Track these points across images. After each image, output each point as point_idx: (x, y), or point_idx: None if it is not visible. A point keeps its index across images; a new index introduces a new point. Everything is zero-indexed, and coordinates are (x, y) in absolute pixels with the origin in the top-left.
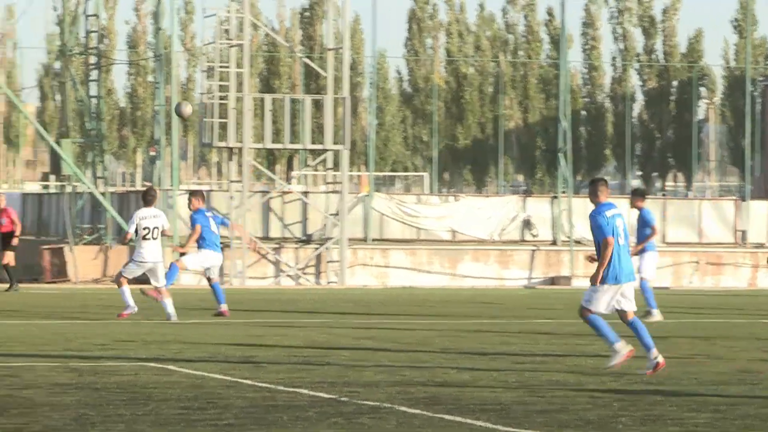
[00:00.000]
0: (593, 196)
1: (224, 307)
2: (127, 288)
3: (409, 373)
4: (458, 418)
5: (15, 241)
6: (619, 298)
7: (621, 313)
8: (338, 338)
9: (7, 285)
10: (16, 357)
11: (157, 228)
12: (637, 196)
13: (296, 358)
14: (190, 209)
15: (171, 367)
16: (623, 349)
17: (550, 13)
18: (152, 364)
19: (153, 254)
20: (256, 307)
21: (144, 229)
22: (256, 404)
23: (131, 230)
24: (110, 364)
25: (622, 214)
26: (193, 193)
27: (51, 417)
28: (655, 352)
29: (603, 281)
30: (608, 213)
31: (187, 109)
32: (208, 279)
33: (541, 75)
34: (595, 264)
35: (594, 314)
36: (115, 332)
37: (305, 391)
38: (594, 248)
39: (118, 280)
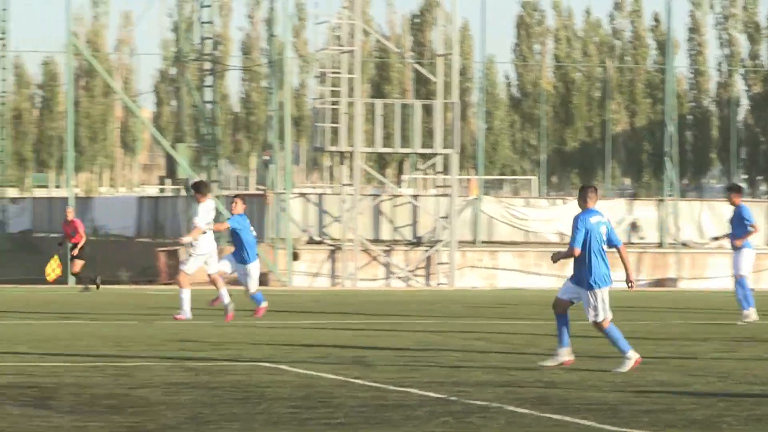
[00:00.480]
0: (582, 201)
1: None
2: (188, 291)
3: (518, 373)
4: (566, 418)
5: (78, 251)
6: (576, 296)
7: (559, 305)
8: (447, 339)
9: (94, 285)
10: (132, 357)
11: (213, 219)
12: (734, 191)
13: (406, 358)
14: (233, 213)
15: (283, 366)
16: (633, 356)
17: (656, 18)
18: (265, 364)
19: (211, 243)
20: (367, 309)
21: (208, 223)
22: (366, 403)
23: (203, 225)
24: (224, 363)
25: (608, 222)
26: (239, 197)
27: (166, 415)
28: (566, 349)
29: (590, 287)
30: (592, 219)
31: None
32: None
33: (647, 80)
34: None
35: (612, 325)
36: (229, 333)
37: (415, 391)
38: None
39: (179, 279)
